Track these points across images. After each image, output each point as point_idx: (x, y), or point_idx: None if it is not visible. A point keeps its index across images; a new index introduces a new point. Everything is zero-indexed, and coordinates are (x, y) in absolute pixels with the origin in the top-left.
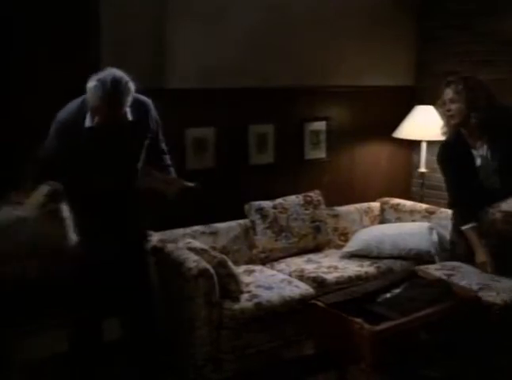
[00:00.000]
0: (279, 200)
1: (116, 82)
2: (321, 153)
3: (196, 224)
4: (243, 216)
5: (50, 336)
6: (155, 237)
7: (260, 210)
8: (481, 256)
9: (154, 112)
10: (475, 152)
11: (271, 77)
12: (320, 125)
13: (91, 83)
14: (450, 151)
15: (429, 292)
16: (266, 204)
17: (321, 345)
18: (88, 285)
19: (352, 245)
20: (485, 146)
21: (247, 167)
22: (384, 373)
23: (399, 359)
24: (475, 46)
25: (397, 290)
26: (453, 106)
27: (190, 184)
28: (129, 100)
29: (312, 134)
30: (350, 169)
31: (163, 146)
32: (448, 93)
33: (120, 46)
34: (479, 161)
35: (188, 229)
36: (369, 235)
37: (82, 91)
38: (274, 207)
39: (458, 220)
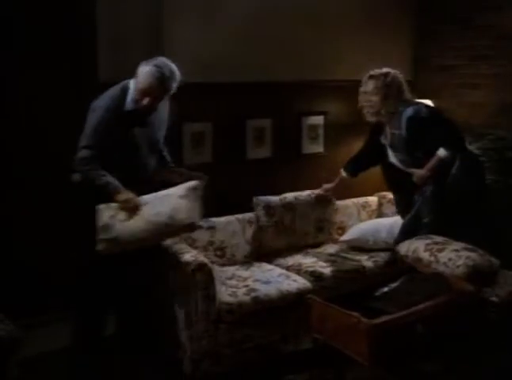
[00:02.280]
0: (290, 198)
1: (171, 69)
2: (319, 148)
3: None
4: (241, 210)
5: (49, 331)
6: None
7: (267, 207)
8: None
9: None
10: (383, 137)
11: (269, 71)
12: (318, 119)
13: (146, 67)
14: (372, 133)
15: (427, 286)
16: (274, 201)
17: (319, 339)
18: (90, 279)
19: (348, 235)
20: (388, 134)
21: (245, 161)
22: (381, 367)
23: (396, 353)
24: (474, 40)
25: (394, 285)
26: (373, 98)
27: (198, 175)
28: (175, 87)
29: (310, 128)
30: None
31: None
32: (370, 85)
33: (116, 41)
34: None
35: None
36: (365, 225)
37: (78, 86)
38: (282, 206)
39: None
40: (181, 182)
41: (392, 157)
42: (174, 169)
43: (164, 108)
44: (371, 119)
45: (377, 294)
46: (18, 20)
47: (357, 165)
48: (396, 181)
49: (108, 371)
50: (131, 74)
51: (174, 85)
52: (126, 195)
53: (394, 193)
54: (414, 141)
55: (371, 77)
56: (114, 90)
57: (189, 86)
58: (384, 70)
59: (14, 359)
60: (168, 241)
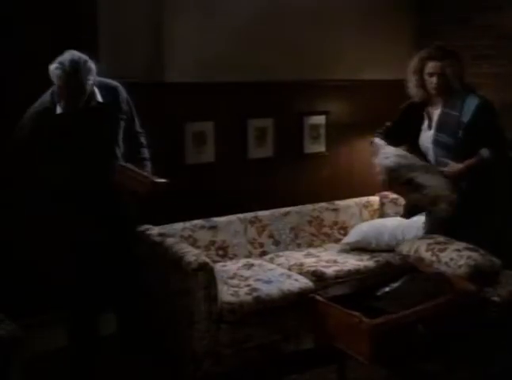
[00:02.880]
0: None
1: (75, 62)
2: (320, 148)
3: (196, 218)
4: (243, 210)
5: (50, 331)
6: (155, 231)
7: None
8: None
9: (124, 94)
10: (425, 115)
11: (270, 71)
12: (319, 119)
13: (52, 66)
14: (405, 113)
15: (428, 286)
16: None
17: (320, 339)
18: (78, 279)
19: (350, 237)
20: (438, 112)
21: (246, 161)
22: (382, 366)
23: (397, 353)
24: (474, 40)
25: (396, 284)
26: (438, 79)
27: (162, 181)
28: (91, 79)
29: (312, 128)
30: (350, 163)
31: (138, 128)
32: (434, 66)
33: (117, 41)
34: (426, 124)
35: (187, 224)
36: (368, 227)
37: None
38: None
39: None
40: (140, 189)
41: (428, 139)
42: (138, 175)
43: (112, 98)
44: (424, 97)
45: (379, 293)
46: (18, 20)
47: (393, 134)
48: None
49: (109, 371)
50: (132, 73)
51: (87, 77)
52: None
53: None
54: (474, 130)
55: (432, 57)
56: (44, 96)
57: (191, 86)
58: (444, 47)
59: (15, 358)
60: (169, 241)
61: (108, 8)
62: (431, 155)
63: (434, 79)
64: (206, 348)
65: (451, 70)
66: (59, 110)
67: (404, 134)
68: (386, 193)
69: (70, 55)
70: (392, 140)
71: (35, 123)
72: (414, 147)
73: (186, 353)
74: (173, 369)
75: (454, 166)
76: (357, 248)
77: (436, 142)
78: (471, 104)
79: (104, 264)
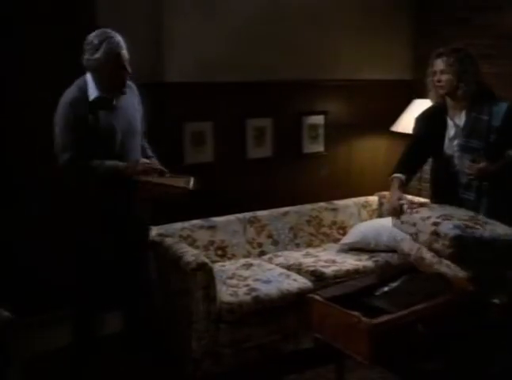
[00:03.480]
0: None
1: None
2: (319, 147)
3: (195, 218)
4: (242, 210)
5: (50, 331)
6: (154, 232)
7: None
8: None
9: (138, 94)
10: (450, 122)
11: (269, 71)
12: (318, 119)
13: (104, 45)
14: (425, 123)
15: (427, 286)
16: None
17: (319, 339)
18: (89, 279)
19: (349, 237)
20: (463, 117)
21: (245, 161)
22: (381, 366)
23: (396, 353)
24: (474, 40)
25: (395, 284)
26: (444, 77)
27: (193, 183)
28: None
29: (310, 128)
30: (348, 163)
31: (145, 131)
32: (440, 64)
33: None
34: (452, 132)
35: (186, 224)
36: (367, 227)
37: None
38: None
39: None
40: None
41: (453, 147)
42: (152, 166)
43: (132, 94)
44: (438, 100)
45: (378, 293)
46: (18, 20)
47: (411, 164)
48: (448, 175)
49: (109, 371)
50: (132, 73)
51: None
52: (135, 164)
53: (437, 191)
54: (506, 133)
55: (439, 55)
56: (70, 90)
57: (190, 86)
58: (455, 45)
59: (15, 358)
60: (168, 241)
61: (108, 8)
62: (457, 163)
63: (438, 77)
64: (205, 348)
65: (457, 67)
66: (92, 96)
67: (427, 147)
68: (384, 193)
69: (114, 35)
70: (413, 164)
71: (75, 109)
72: (437, 157)
73: (186, 353)
74: (172, 369)
75: (481, 164)
76: (356, 249)
77: (464, 148)
78: (501, 107)
79: (116, 264)
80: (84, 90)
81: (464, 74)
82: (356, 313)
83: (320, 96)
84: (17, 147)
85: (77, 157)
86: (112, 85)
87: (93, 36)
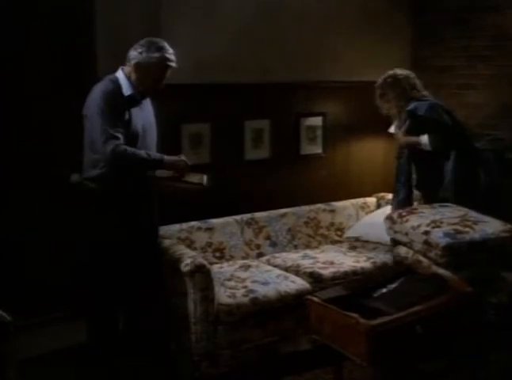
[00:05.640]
0: None
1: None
2: (317, 149)
3: (192, 220)
4: (239, 211)
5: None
6: None
7: None
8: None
9: None
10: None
11: (267, 72)
12: (316, 120)
13: (155, 54)
14: None
15: (425, 287)
16: None
17: (317, 340)
18: (109, 279)
19: (352, 232)
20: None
21: (243, 162)
22: (380, 368)
23: (395, 354)
24: (472, 41)
25: (393, 285)
26: (379, 104)
27: (208, 180)
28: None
29: (308, 129)
30: (346, 165)
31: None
32: (376, 95)
33: (115, 41)
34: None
35: (184, 225)
36: (370, 222)
37: (77, 85)
38: None
39: None
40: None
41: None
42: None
43: (149, 104)
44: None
45: (376, 294)
46: (18, 20)
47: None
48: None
49: (108, 371)
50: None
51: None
52: (178, 159)
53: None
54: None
55: (375, 87)
56: (104, 84)
57: (188, 87)
58: (385, 75)
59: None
60: (166, 243)
61: (108, 8)
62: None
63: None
64: (203, 350)
65: (382, 97)
66: (126, 92)
67: None
68: (382, 194)
69: (166, 45)
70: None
71: (114, 96)
72: None
73: (184, 354)
74: (171, 370)
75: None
76: (360, 242)
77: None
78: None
79: (130, 264)
80: (118, 86)
81: (389, 101)
82: (354, 315)
83: (318, 98)
84: (16, 147)
85: (125, 144)
86: (146, 88)
87: (157, 39)
